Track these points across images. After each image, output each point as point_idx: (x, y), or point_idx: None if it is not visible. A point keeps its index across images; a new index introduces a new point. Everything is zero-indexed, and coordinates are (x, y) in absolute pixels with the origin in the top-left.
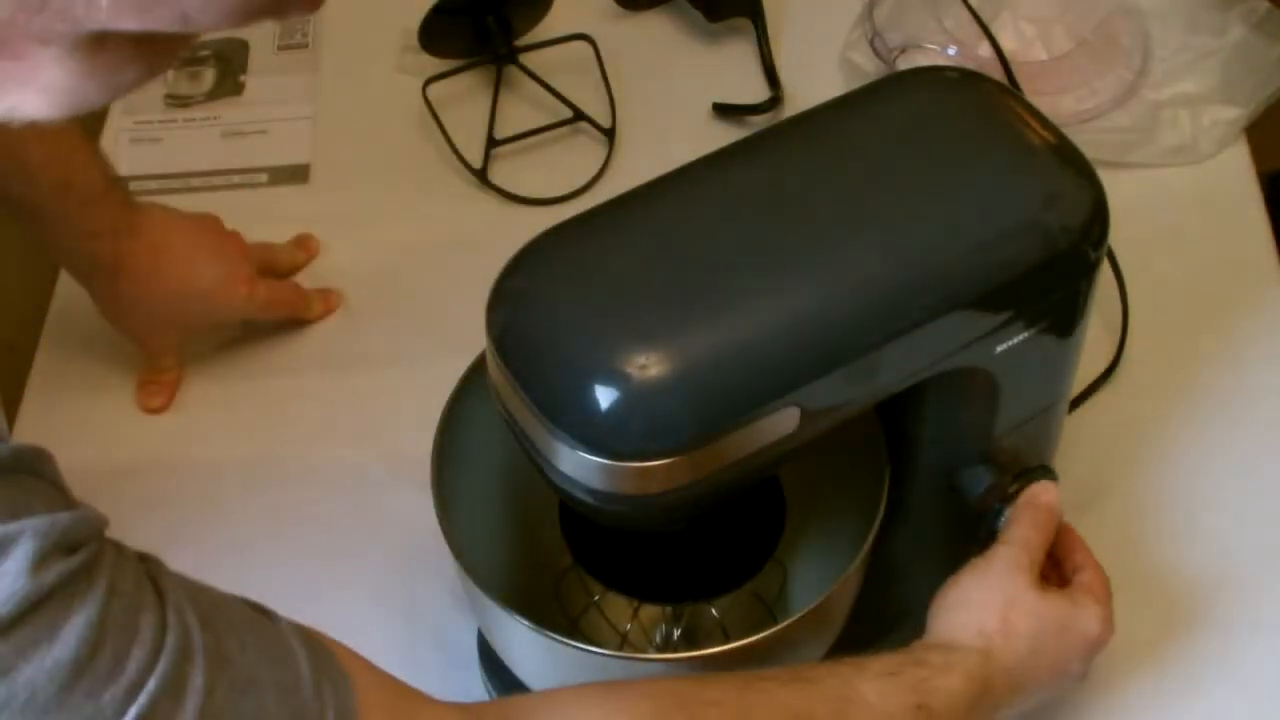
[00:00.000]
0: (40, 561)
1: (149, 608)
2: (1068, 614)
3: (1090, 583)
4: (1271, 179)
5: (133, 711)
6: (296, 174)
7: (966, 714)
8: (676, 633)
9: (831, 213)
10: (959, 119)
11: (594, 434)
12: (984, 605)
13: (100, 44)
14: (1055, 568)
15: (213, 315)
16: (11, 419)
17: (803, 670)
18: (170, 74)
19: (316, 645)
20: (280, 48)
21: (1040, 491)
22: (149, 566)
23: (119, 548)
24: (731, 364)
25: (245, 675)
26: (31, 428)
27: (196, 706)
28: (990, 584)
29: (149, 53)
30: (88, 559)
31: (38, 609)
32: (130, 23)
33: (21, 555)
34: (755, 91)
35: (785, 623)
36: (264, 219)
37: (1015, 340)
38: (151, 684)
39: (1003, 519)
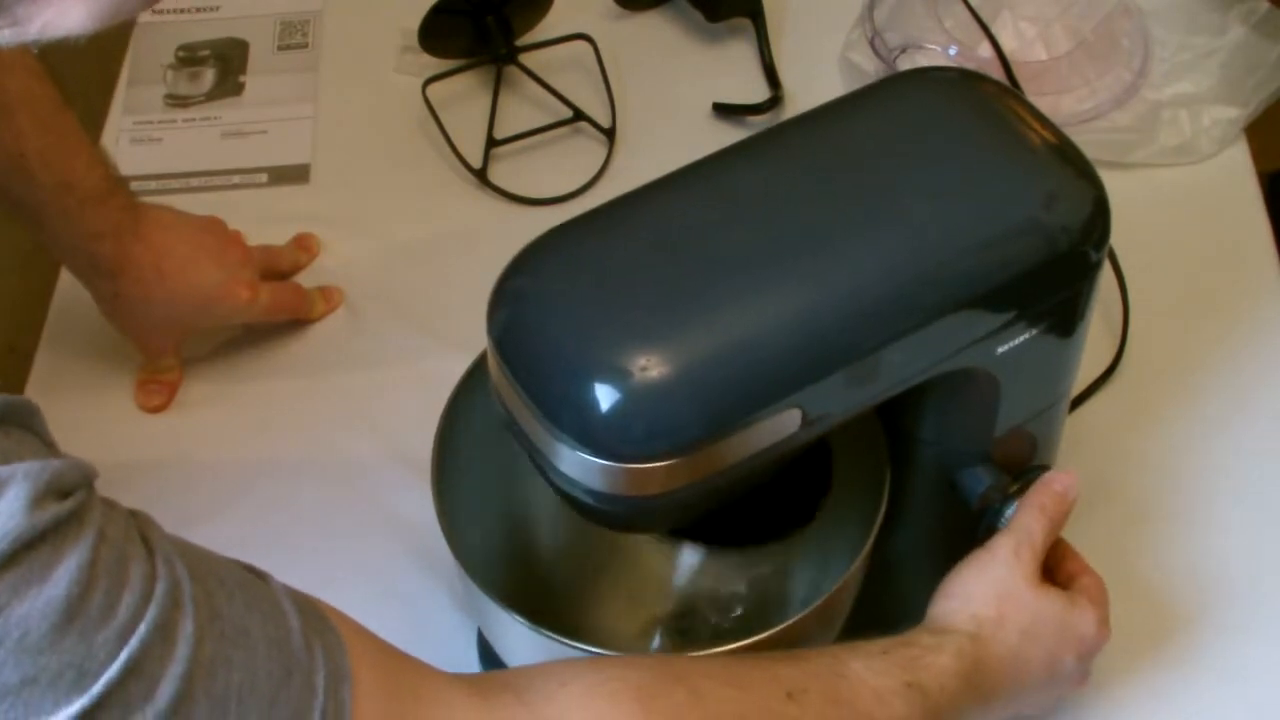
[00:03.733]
0: (34, 503)
1: (138, 557)
2: (1063, 611)
3: (1087, 586)
4: (1271, 179)
5: (124, 655)
6: (296, 174)
7: (958, 693)
8: (672, 638)
9: (833, 214)
10: (959, 119)
11: (594, 435)
12: (979, 595)
13: None
14: (1048, 576)
15: (214, 318)
16: None
17: (795, 651)
18: (170, 74)
19: (308, 606)
20: (280, 48)
21: (1054, 478)
22: (138, 521)
23: (108, 502)
24: (732, 365)
25: (235, 626)
26: None
27: (187, 654)
28: (988, 575)
29: None
30: (78, 505)
31: (31, 549)
32: None
33: (14, 496)
34: (755, 91)
35: (785, 623)
36: (264, 219)
37: (1016, 341)
38: (142, 629)
39: (1003, 518)
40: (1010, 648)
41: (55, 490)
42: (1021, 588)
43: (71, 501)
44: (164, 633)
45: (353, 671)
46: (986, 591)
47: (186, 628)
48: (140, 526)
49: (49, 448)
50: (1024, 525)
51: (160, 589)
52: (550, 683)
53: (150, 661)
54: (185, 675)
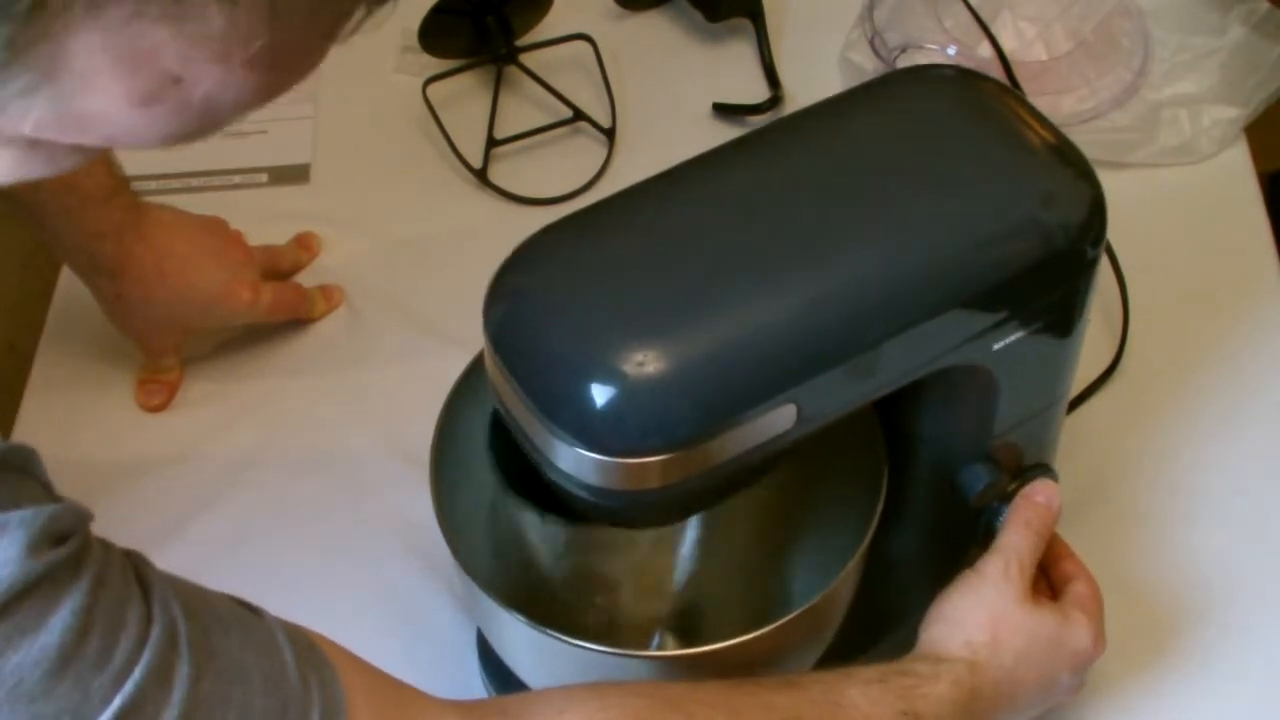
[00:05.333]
0: (29, 551)
1: (134, 599)
2: (1057, 629)
3: (1081, 595)
4: (1271, 179)
5: (119, 700)
6: (296, 174)
7: None
8: (672, 636)
9: (829, 210)
10: (958, 118)
11: (591, 430)
12: (973, 620)
13: (35, 142)
14: (1043, 575)
15: (216, 319)
16: (11, 419)
17: (790, 677)
18: None
19: (302, 639)
20: None
21: (1036, 490)
22: (134, 561)
23: (104, 544)
24: (728, 361)
25: (231, 665)
26: (31, 427)
27: (183, 696)
28: (980, 599)
29: (85, 148)
30: (74, 550)
31: (25, 597)
32: (56, 137)
33: (9, 544)
34: (755, 91)
35: (783, 620)
36: (264, 219)
37: (1013, 338)
38: (137, 673)
39: (1001, 518)
40: (1006, 671)
41: (50, 537)
42: (1013, 609)
43: (66, 548)
44: (160, 676)
45: (348, 703)
46: (979, 616)
47: (182, 670)
48: (136, 566)
49: (46, 489)
50: (1011, 543)
51: (156, 632)
52: (548, 710)
53: (146, 704)
54: (182, 717)
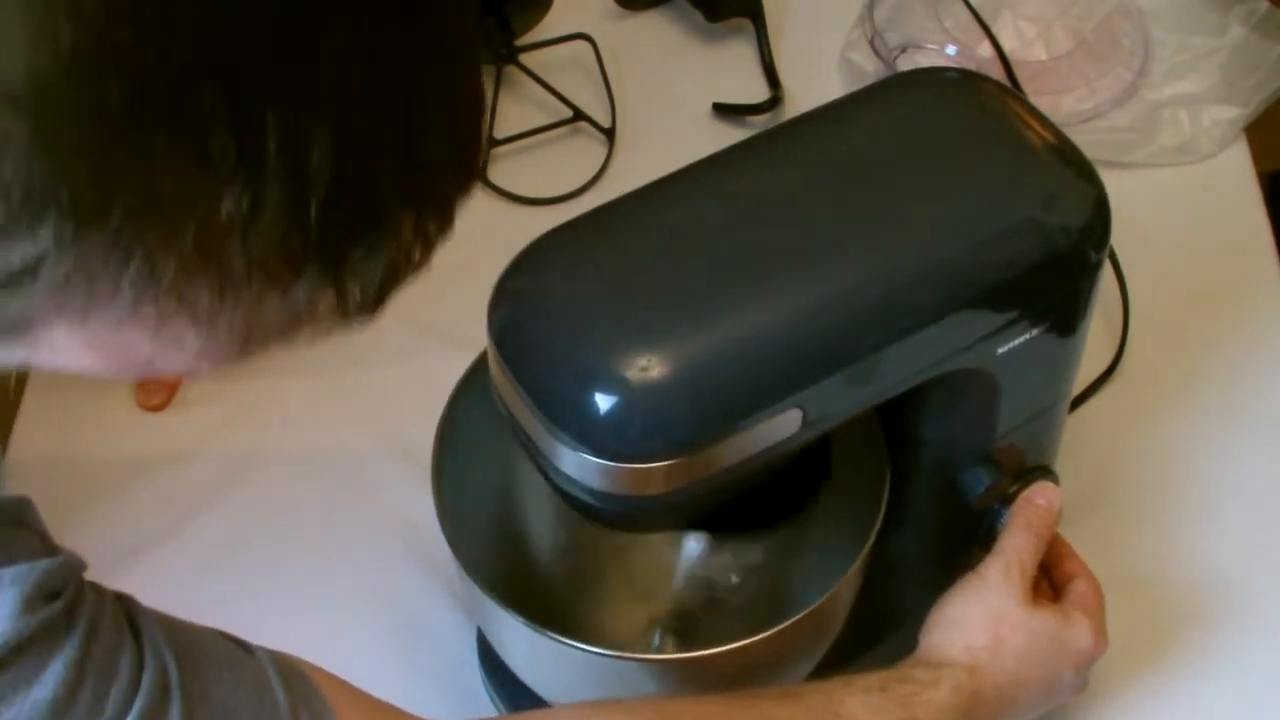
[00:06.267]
0: (23, 608)
1: (126, 647)
2: (1058, 629)
3: (1083, 594)
4: (1271, 179)
5: None
6: None
7: None
8: (672, 638)
9: (833, 214)
10: (960, 119)
11: (595, 435)
12: (973, 623)
13: None
14: (1045, 575)
15: None
16: (11, 419)
17: (789, 688)
18: None
19: (293, 672)
20: None
21: (1036, 492)
22: (125, 605)
23: (97, 589)
24: (733, 366)
25: (222, 707)
26: (31, 427)
27: None
28: (980, 601)
29: None
30: (68, 603)
31: (20, 653)
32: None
33: (3, 602)
34: (755, 91)
35: (784, 624)
36: None
37: (1017, 341)
38: None
39: (1003, 520)
40: (1008, 674)
41: (44, 592)
42: (1014, 611)
43: (60, 602)
44: None
45: None
46: (980, 618)
47: (174, 716)
48: (127, 610)
49: (42, 539)
50: (1012, 545)
51: (147, 678)
52: None
53: None
54: None
